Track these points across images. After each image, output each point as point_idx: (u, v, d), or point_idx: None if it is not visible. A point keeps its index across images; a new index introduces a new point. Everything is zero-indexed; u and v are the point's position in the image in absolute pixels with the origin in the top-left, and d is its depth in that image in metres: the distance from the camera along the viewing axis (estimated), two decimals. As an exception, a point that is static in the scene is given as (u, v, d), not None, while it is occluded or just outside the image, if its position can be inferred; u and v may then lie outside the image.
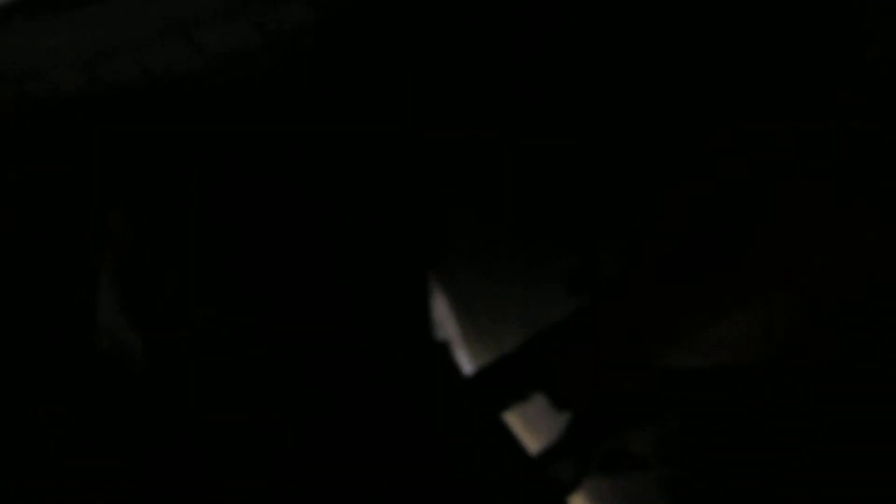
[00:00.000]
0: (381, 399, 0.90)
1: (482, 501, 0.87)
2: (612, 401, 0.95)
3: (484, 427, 0.93)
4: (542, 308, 0.99)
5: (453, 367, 1.00)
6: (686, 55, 0.93)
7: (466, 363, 1.17)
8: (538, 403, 0.96)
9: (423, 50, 0.86)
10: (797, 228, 0.82)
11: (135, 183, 0.88)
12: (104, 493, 0.79)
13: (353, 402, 0.90)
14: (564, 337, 0.93)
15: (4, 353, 0.84)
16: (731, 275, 0.84)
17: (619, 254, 0.93)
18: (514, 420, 1.07)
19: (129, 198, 0.87)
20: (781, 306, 0.83)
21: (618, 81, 0.96)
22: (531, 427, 1.10)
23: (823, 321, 0.83)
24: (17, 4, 0.76)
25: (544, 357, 0.93)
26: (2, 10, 0.78)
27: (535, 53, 0.95)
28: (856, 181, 0.80)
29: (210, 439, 0.82)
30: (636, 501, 1.05)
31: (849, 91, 0.82)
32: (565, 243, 1.03)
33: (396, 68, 0.86)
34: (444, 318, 1.13)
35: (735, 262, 0.84)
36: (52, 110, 0.78)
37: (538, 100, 0.97)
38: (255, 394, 0.85)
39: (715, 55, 0.92)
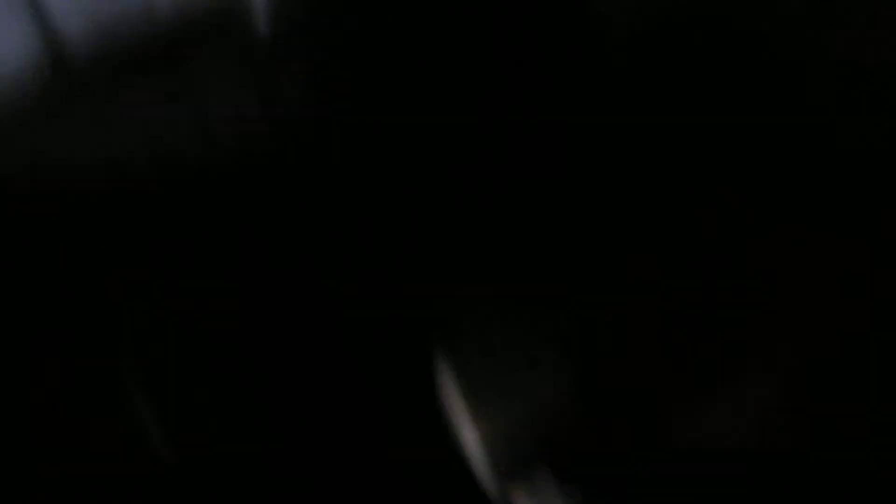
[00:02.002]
0: (387, 477, 0.90)
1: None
2: (619, 477, 0.94)
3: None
4: (547, 382, 0.99)
5: (459, 445, 1.00)
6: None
7: (473, 441, 1.16)
8: (545, 479, 0.95)
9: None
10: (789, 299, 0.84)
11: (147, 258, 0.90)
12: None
13: (357, 478, 0.89)
14: (568, 411, 0.93)
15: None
16: (729, 343, 0.85)
17: (619, 322, 0.94)
18: (522, 497, 1.06)
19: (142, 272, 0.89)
20: (776, 379, 0.84)
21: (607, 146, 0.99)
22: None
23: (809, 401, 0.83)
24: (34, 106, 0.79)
25: (550, 432, 0.93)
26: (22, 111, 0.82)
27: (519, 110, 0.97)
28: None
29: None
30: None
31: None
32: (565, 314, 1.04)
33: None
34: (450, 398, 1.12)
35: (732, 331, 0.85)
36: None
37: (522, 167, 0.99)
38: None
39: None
